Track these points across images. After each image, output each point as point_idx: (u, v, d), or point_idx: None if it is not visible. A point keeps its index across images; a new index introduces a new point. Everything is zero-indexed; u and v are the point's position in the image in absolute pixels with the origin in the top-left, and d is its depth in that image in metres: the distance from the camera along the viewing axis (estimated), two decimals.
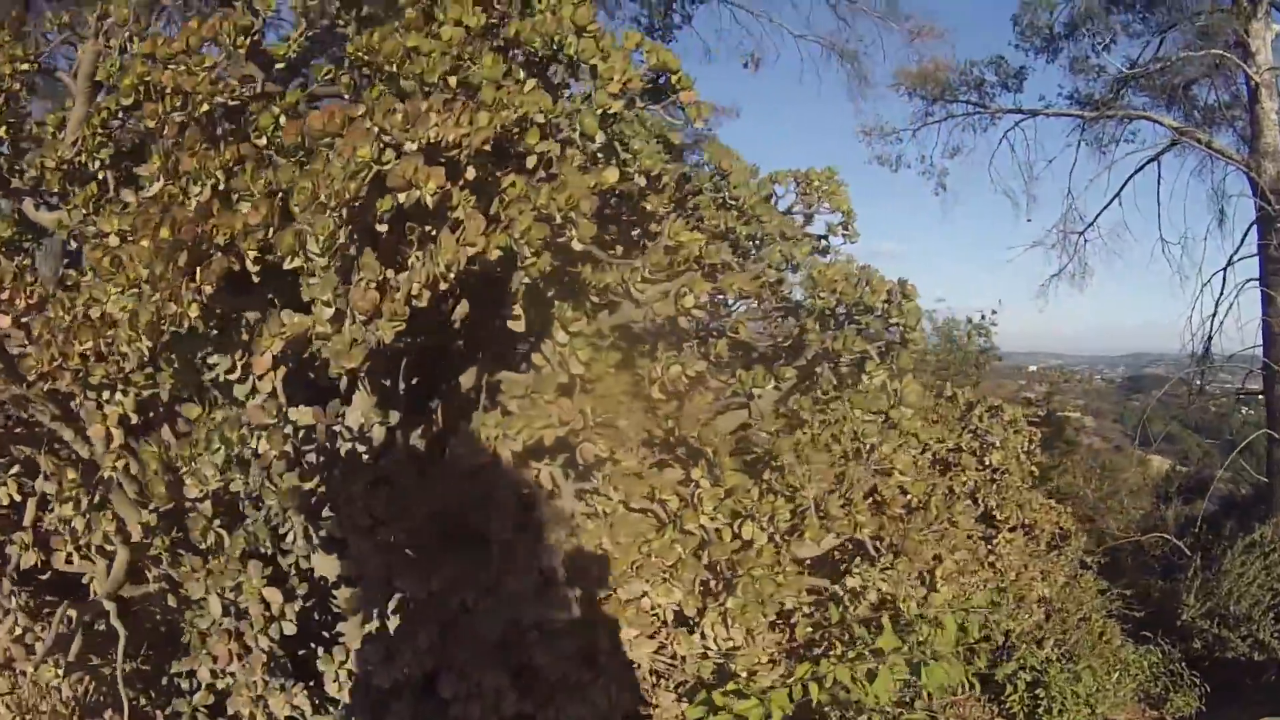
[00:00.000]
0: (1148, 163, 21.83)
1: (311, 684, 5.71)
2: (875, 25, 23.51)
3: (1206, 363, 20.91)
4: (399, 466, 5.36)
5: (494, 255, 4.58)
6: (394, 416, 5.28)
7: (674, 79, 5.94)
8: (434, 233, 4.57)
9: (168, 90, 5.33)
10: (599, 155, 5.26)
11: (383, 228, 4.62)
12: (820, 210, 7.58)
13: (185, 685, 6.03)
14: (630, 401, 6.06)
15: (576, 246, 4.80)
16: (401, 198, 4.44)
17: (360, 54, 5.29)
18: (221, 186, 4.88)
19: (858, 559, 7.40)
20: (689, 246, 5.90)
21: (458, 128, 4.54)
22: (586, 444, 5.02)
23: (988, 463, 12.00)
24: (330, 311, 4.47)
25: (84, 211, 5.77)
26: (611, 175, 5.09)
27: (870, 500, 7.13)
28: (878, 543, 7.10)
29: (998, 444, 11.99)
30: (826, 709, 7.19)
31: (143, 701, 6.37)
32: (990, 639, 11.11)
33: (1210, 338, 20.61)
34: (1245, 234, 20.34)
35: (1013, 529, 12.27)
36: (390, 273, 4.49)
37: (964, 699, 11.99)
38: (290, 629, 5.45)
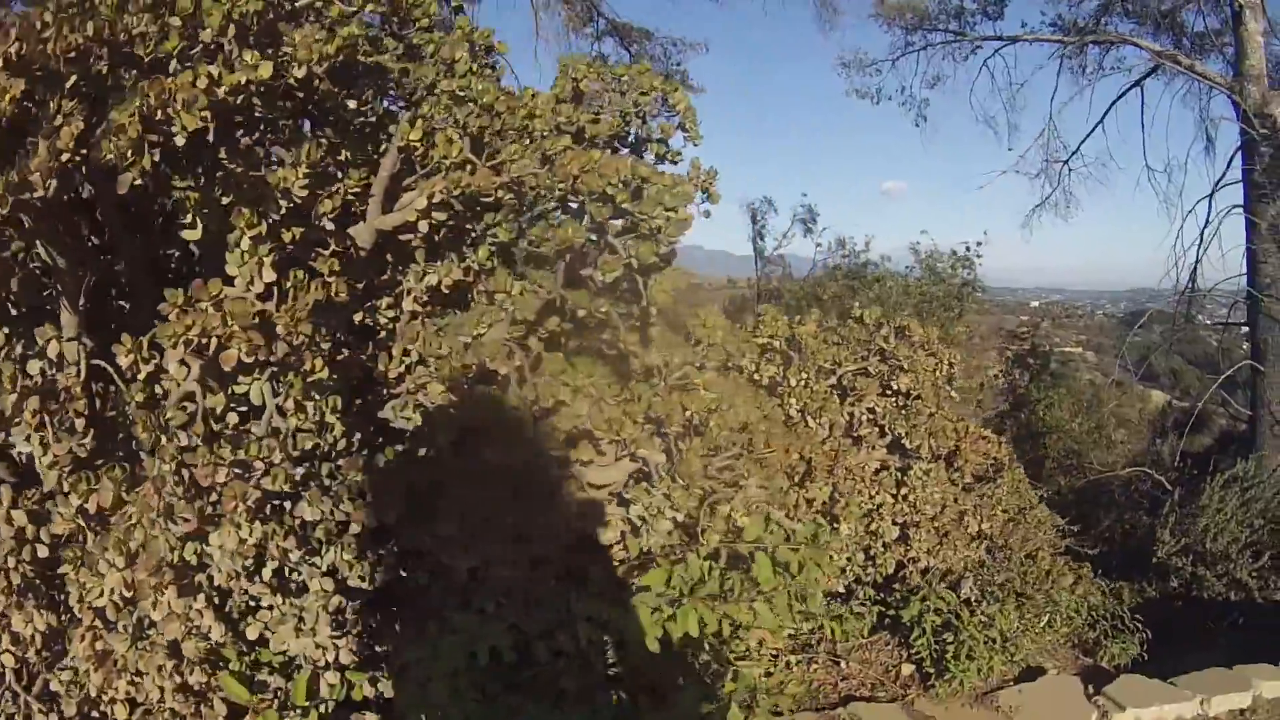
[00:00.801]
0: (1130, 88, 21.15)
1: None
2: None
3: (1192, 293, 20.20)
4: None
5: (107, 158, 4.45)
6: (67, 330, 5.16)
7: None
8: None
9: None
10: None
11: None
12: (662, 113, 7.47)
13: None
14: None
15: (179, 141, 4.62)
16: None
17: None
18: None
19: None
20: (441, 146, 5.74)
21: (62, 39, 4.40)
22: (228, 351, 4.79)
23: (895, 387, 11.61)
24: None
25: None
26: (264, 70, 4.91)
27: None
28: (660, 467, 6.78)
29: (905, 367, 11.59)
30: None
31: None
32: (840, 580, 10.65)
33: (1195, 267, 19.92)
34: (1230, 160, 19.65)
35: (934, 459, 11.87)
36: None
37: (872, 641, 11.73)
38: (43, 551, 5.49)
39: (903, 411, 11.56)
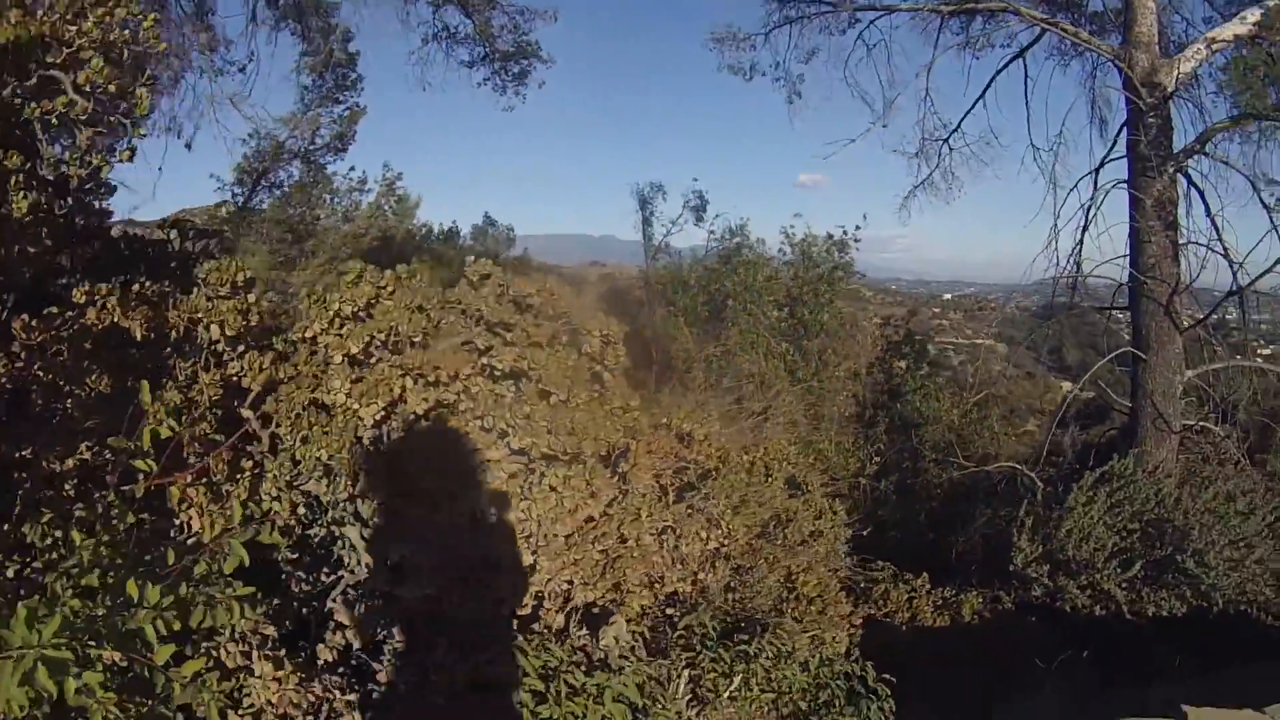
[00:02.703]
0: (1012, 59, 15.67)
1: None
2: None
3: (1077, 276, 14.68)
4: None
5: None
6: None
7: None
8: None
9: None
10: None
11: None
12: None
13: None
14: None
15: None
16: None
17: None
18: None
19: None
20: None
21: None
22: None
23: (498, 367, 6.73)
24: None
25: None
26: None
27: None
28: None
29: (508, 339, 6.73)
30: None
31: None
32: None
33: (1079, 249, 14.56)
34: (1116, 136, 14.67)
35: (577, 462, 6.97)
36: None
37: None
38: None
39: (505, 400, 6.66)
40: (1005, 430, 17.26)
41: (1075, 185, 14.46)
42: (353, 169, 21.07)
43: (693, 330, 15.69)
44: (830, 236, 17.33)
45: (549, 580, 6.90)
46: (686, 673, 6.77)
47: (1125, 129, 13.96)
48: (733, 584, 8.30)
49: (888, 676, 7.31)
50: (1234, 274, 13.29)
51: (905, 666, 10.36)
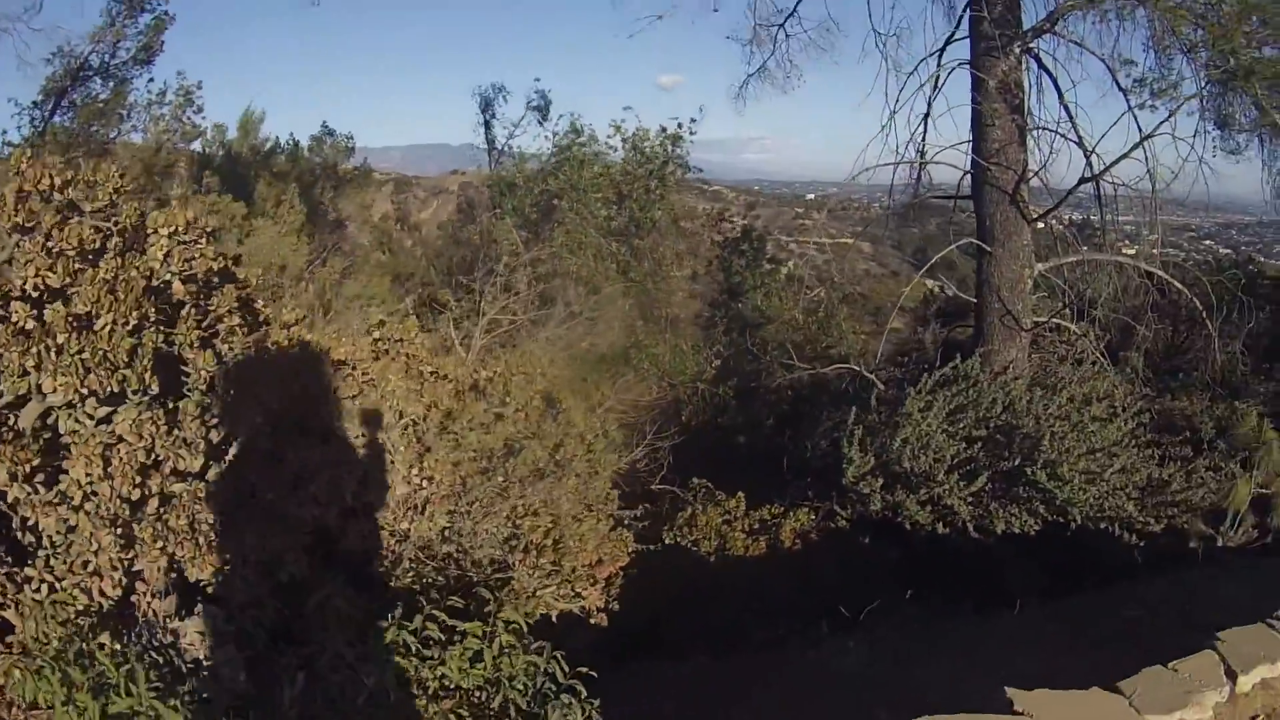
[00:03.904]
0: None
1: None
2: None
3: (922, 165, 12.42)
4: None
5: None
6: None
7: None
8: None
9: None
10: None
11: None
12: None
13: None
14: None
15: None
16: None
17: None
18: None
19: None
20: None
21: None
22: None
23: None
24: None
25: None
26: None
27: None
28: None
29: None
30: None
31: None
32: None
33: (923, 133, 12.36)
34: (961, 14, 12.10)
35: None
36: None
37: None
38: None
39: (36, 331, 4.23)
40: (854, 329, 15.20)
41: (915, 68, 12.07)
42: (151, 80, 18.30)
43: (524, 234, 13.41)
44: (663, 130, 14.98)
45: (130, 562, 4.59)
46: (300, 676, 4.45)
47: (969, 7, 11.64)
48: (447, 534, 6.05)
49: (585, 670, 4.65)
50: (1087, 160, 11.21)
51: (708, 606, 8.33)
